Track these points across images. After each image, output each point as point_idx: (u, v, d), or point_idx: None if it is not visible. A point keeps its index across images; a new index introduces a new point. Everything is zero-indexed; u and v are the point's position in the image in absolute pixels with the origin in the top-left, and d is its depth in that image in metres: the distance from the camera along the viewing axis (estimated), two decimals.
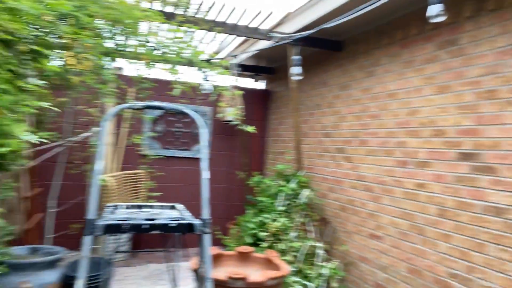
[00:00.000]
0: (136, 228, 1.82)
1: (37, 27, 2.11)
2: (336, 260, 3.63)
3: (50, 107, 2.11)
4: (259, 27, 3.86)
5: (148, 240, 4.88)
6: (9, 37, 1.72)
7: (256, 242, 3.66)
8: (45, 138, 1.86)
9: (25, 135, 1.69)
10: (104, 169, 4.43)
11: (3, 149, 1.59)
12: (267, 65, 5.66)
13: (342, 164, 3.86)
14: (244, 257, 3.03)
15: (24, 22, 1.89)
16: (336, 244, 3.85)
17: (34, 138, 1.72)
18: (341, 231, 3.81)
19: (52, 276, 2.49)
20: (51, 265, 2.52)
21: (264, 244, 3.47)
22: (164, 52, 3.25)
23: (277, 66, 5.57)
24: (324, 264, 3.46)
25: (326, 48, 4.06)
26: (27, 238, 3.24)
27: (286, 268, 2.68)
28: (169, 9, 3.50)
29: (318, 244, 3.59)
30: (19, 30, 1.70)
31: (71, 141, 3.62)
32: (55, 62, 2.38)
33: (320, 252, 3.54)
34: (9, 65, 1.72)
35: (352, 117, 3.78)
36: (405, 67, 3.17)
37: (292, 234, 3.59)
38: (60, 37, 2.26)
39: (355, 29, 3.75)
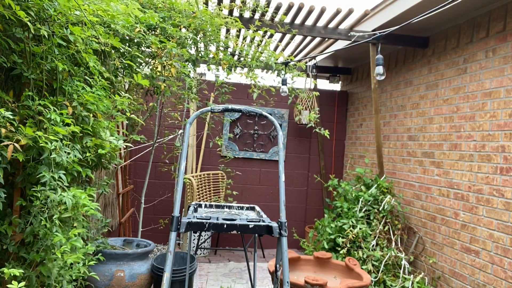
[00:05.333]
0: (216, 227, 1.88)
1: (130, 38, 2.31)
2: (422, 273, 3.35)
3: (143, 108, 2.29)
4: (338, 27, 3.76)
5: (227, 239, 5.05)
6: (107, 49, 1.91)
7: (334, 248, 3.56)
8: (136, 140, 2.02)
9: (116, 138, 1.85)
10: (186, 169, 4.69)
11: (102, 151, 1.75)
12: (344, 65, 5.50)
13: (430, 170, 3.57)
14: (322, 263, 2.96)
15: (119, 36, 2.08)
16: (423, 255, 3.57)
17: (121, 144, 1.87)
18: (428, 242, 3.52)
19: (143, 267, 2.69)
20: (142, 256, 2.72)
21: (342, 251, 3.35)
22: (242, 57, 3.34)
23: (354, 67, 5.37)
24: (408, 276, 3.22)
25: (410, 45, 3.81)
26: (121, 231, 3.56)
27: (368, 278, 2.55)
28: (247, 14, 3.59)
29: (401, 254, 3.36)
30: (114, 43, 1.87)
31: (158, 142, 3.90)
32: (145, 69, 2.58)
33: (405, 263, 3.30)
34: (106, 73, 1.90)
35: (441, 118, 3.47)
36: (504, 62, 2.82)
37: (372, 242, 3.41)
38: (149, 47, 2.45)
39: (443, 23, 3.46)
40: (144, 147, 4.40)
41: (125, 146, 3.44)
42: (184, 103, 3.76)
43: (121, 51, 2.25)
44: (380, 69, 2.98)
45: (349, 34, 3.77)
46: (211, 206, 2.53)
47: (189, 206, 2.34)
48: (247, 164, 5.17)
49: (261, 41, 3.50)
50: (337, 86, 5.97)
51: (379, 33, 3.42)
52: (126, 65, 2.28)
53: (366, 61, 4.93)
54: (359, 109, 5.13)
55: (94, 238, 2.72)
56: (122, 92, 2.13)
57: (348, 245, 3.39)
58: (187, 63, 3.01)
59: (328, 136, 3.28)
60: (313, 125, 4.19)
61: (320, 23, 3.73)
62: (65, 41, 1.61)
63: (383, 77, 3.00)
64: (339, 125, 5.45)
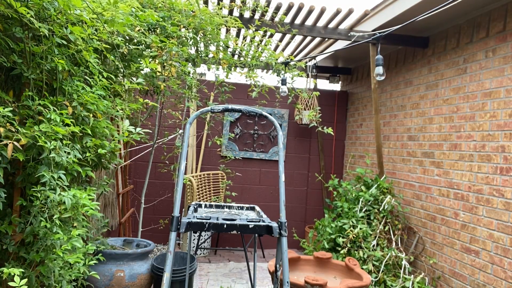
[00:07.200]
0: (216, 227, 1.88)
1: (130, 38, 2.31)
2: (423, 273, 3.35)
3: (143, 108, 2.30)
4: (338, 27, 3.76)
5: (227, 239, 5.05)
6: (108, 46, 1.90)
7: (334, 248, 3.56)
8: (136, 140, 2.02)
9: (127, 129, 1.85)
10: (186, 169, 4.69)
11: (102, 150, 1.75)
12: (344, 65, 5.50)
13: (430, 170, 3.57)
14: (322, 263, 2.96)
15: (119, 36, 2.07)
16: (423, 255, 3.56)
17: (136, 132, 1.87)
18: (428, 242, 3.52)
19: (143, 267, 2.69)
20: (142, 256, 2.72)
21: (343, 251, 3.35)
22: (242, 56, 3.34)
23: (354, 67, 5.37)
24: (409, 276, 3.22)
25: (410, 45, 3.81)
26: (121, 231, 3.56)
27: (368, 278, 2.54)
28: (247, 14, 3.59)
29: (401, 254, 3.36)
30: (118, 34, 1.87)
31: (158, 143, 3.90)
32: (145, 69, 2.58)
33: (405, 263, 3.30)
34: (106, 73, 1.90)
35: (441, 118, 3.47)
36: (504, 62, 2.82)
37: (373, 242, 3.41)
38: (149, 47, 2.45)
39: (444, 23, 3.46)
40: (144, 147, 4.40)
41: (124, 146, 3.44)
42: (184, 103, 3.76)
43: (121, 51, 2.25)
44: (380, 69, 2.98)
45: (349, 34, 3.77)
46: (211, 206, 2.53)
47: (189, 206, 2.34)
48: (247, 164, 5.17)
49: (261, 40, 3.50)
50: (337, 86, 5.97)
51: (379, 33, 3.42)
52: (126, 64, 2.28)
53: (366, 61, 4.94)
54: (359, 109, 5.13)
55: (94, 238, 2.72)
56: (126, 84, 2.12)
57: (349, 245, 3.39)
58: (187, 62, 3.01)
59: (332, 133, 3.28)
60: (315, 124, 4.19)
61: (320, 23, 3.73)
62: (65, 40, 1.61)
63: (383, 78, 3.00)
64: (339, 125, 5.45)
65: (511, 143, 2.72)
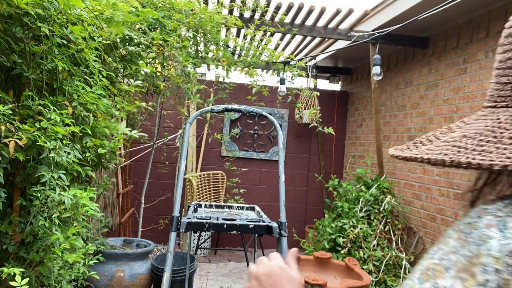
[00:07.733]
0: (216, 227, 1.88)
1: (130, 38, 2.31)
2: None
3: (142, 109, 2.30)
4: (338, 27, 3.76)
5: (227, 239, 5.05)
6: (109, 42, 1.90)
7: (334, 248, 3.56)
8: (137, 139, 2.02)
9: (123, 132, 1.85)
10: (186, 169, 4.69)
11: (102, 150, 1.75)
12: (344, 65, 5.50)
13: (430, 170, 3.57)
14: (321, 263, 2.96)
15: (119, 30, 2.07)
16: (423, 255, 3.57)
17: (132, 134, 1.88)
18: (428, 242, 3.52)
19: (143, 267, 2.69)
20: (142, 256, 2.72)
21: (343, 251, 3.35)
22: (242, 55, 3.34)
23: (354, 67, 5.37)
24: None
25: (410, 45, 3.81)
26: (121, 231, 3.56)
27: (368, 278, 2.54)
28: (247, 14, 3.59)
29: (402, 254, 3.36)
30: (117, 35, 1.87)
31: (158, 143, 3.90)
32: (144, 69, 2.58)
33: (406, 263, 3.30)
34: (106, 71, 1.90)
35: (441, 118, 3.47)
36: None
37: (373, 242, 3.41)
38: (149, 47, 2.44)
39: (443, 23, 3.46)
40: (144, 147, 4.40)
41: (125, 146, 3.44)
42: (185, 99, 3.75)
43: (119, 53, 2.25)
44: (377, 69, 2.98)
45: (349, 34, 3.77)
46: (211, 206, 2.53)
47: (189, 206, 2.34)
48: (247, 164, 5.17)
49: (261, 39, 3.49)
50: (337, 86, 5.97)
51: (378, 33, 3.42)
52: (126, 64, 2.28)
53: (366, 61, 4.93)
54: (359, 109, 5.13)
55: (94, 238, 2.72)
56: (122, 87, 2.13)
57: (349, 245, 3.39)
58: (189, 57, 3.00)
59: (332, 133, 3.27)
60: (315, 124, 4.18)
61: (320, 23, 3.73)
62: (65, 40, 1.61)
63: (380, 77, 3.00)
64: (339, 125, 5.45)
65: None
